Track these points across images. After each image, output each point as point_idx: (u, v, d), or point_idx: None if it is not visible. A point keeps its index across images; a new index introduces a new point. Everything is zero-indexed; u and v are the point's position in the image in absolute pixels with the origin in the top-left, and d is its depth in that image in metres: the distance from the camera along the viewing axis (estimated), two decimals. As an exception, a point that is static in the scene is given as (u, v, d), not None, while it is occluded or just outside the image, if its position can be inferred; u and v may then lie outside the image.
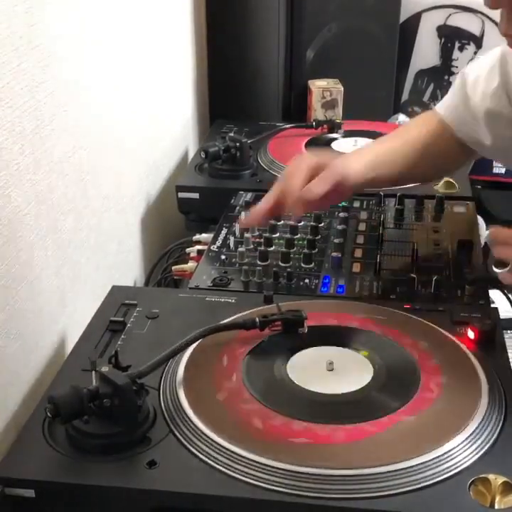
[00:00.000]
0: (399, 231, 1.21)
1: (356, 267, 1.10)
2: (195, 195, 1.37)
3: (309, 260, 1.11)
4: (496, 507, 0.68)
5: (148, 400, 0.79)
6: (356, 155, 1.12)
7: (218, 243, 1.17)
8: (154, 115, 1.45)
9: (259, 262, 1.11)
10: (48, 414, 0.73)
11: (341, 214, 1.24)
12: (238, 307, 0.97)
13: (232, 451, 0.73)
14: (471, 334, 0.91)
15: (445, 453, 0.72)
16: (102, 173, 1.18)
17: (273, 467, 0.71)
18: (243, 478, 0.71)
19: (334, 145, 1.52)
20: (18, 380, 0.92)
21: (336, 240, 1.15)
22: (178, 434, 0.76)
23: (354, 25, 1.84)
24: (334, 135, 1.56)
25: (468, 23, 1.95)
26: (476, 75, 1.12)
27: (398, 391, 0.81)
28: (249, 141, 1.41)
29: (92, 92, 1.12)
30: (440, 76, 2.01)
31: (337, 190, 1.02)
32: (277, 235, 1.18)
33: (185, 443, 0.75)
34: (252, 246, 1.15)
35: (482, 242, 1.18)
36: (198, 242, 1.23)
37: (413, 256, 1.11)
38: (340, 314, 0.96)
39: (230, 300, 1.00)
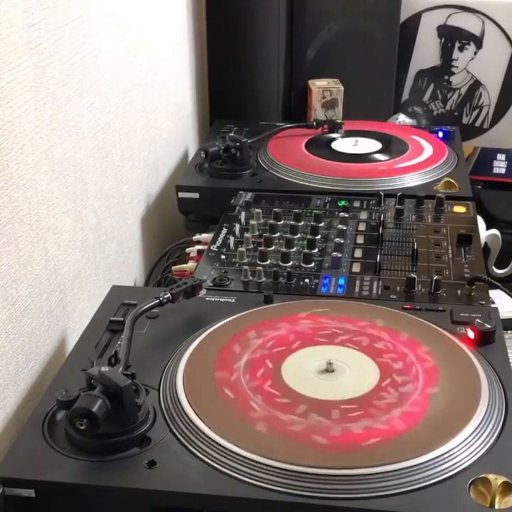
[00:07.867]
0: (399, 231, 1.20)
1: (356, 267, 1.10)
2: (195, 195, 1.36)
3: (309, 260, 1.11)
4: (496, 507, 0.68)
5: (148, 400, 0.79)
6: None
7: (218, 243, 1.17)
8: (154, 115, 1.45)
9: (259, 262, 1.11)
10: (83, 427, 0.72)
11: (341, 214, 1.24)
12: (238, 307, 0.98)
13: (232, 451, 0.73)
14: (471, 334, 0.91)
15: (445, 453, 0.72)
16: (102, 173, 1.18)
17: (273, 467, 0.71)
18: (243, 478, 0.71)
19: (334, 145, 1.52)
20: (18, 379, 0.92)
21: (336, 240, 1.15)
22: (178, 434, 0.76)
23: (354, 25, 1.84)
24: (334, 135, 1.55)
25: (468, 23, 1.94)
26: None
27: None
28: (249, 141, 1.40)
29: (92, 92, 1.12)
30: (440, 76, 2.01)
31: None
32: (277, 234, 1.18)
33: (185, 443, 0.75)
34: (252, 246, 1.15)
35: (482, 242, 1.17)
36: (198, 242, 1.23)
37: (413, 256, 1.11)
38: (339, 314, 0.96)
39: (230, 300, 1.00)
